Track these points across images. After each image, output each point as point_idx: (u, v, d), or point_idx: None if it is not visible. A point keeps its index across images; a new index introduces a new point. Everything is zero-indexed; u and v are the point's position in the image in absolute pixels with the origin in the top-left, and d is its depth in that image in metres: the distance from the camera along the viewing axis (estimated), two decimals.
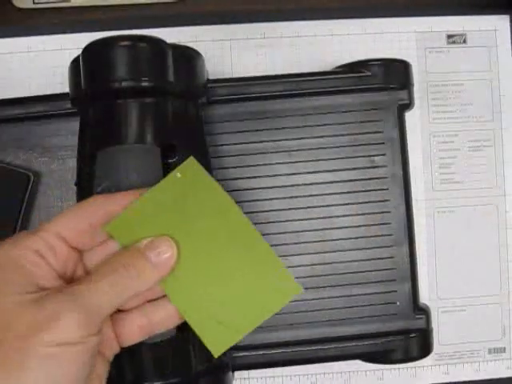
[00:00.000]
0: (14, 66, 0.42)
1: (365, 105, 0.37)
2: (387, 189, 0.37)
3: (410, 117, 0.39)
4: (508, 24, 0.44)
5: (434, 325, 0.40)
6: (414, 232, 0.38)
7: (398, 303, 0.37)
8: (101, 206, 0.27)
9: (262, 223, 0.36)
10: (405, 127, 0.38)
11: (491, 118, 0.44)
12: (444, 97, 0.43)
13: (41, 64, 0.42)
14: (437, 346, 0.42)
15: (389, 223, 0.37)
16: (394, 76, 0.37)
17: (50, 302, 0.23)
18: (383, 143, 0.37)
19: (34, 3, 0.42)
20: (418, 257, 0.38)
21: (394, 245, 0.37)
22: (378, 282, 0.37)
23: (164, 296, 0.28)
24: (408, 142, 0.38)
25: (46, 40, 0.42)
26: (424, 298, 0.42)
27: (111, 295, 0.25)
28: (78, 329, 0.23)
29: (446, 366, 0.43)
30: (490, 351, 0.43)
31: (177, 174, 0.28)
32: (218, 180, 0.30)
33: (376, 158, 0.37)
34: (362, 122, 0.37)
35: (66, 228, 0.26)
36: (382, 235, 0.37)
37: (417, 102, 0.42)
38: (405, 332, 0.37)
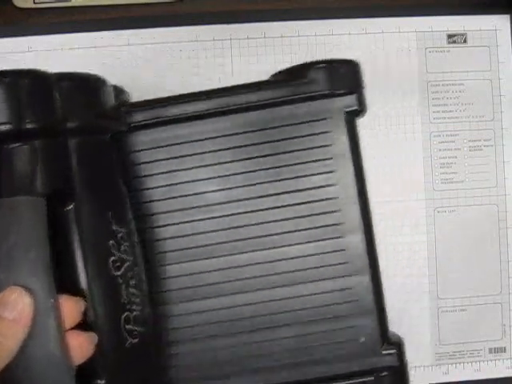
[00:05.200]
0: (14, 65, 0.42)
1: (306, 116, 0.32)
2: (339, 210, 0.32)
3: (410, 116, 0.39)
4: (508, 24, 0.44)
5: (434, 325, 0.40)
6: (377, 258, 0.33)
7: (361, 339, 0.32)
8: None
9: (200, 259, 0.32)
10: (357, 137, 0.33)
11: (491, 118, 0.44)
12: (444, 97, 0.43)
13: (41, 64, 0.42)
14: (437, 346, 0.42)
15: (343, 250, 0.32)
16: (337, 80, 0.32)
17: None
18: (331, 158, 0.32)
19: (34, 3, 0.42)
20: (418, 256, 0.38)
21: (353, 274, 0.32)
22: (337, 316, 0.32)
23: None
24: (408, 142, 0.38)
25: (46, 40, 0.42)
26: (424, 297, 0.42)
27: None
28: None
29: (446, 366, 0.43)
30: (490, 351, 0.43)
31: None
32: (143, 216, 0.28)
33: (323, 175, 0.32)
34: (303, 136, 0.32)
35: None
36: (336, 264, 0.32)
37: (417, 101, 0.42)
38: (373, 371, 0.32)
